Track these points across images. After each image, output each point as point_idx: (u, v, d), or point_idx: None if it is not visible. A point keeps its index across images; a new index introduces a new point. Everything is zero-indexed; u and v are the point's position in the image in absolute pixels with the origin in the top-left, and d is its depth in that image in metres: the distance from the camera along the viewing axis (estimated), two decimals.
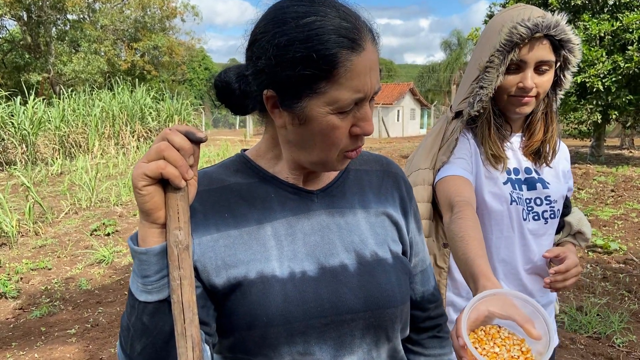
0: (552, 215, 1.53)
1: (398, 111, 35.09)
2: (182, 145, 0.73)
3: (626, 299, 4.45)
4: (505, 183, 1.48)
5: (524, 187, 1.50)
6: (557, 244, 1.65)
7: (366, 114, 0.86)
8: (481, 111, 1.46)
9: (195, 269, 0.87)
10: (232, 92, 0.93)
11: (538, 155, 1.54)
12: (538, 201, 1.51)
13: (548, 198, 1.52)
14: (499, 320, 0.91)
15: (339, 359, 0.90)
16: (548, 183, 1.53)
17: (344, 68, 0.80)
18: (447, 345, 1.12)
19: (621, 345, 3.60)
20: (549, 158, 1.55)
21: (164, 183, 0.75)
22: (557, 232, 1.63)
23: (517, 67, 1.40)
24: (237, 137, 25.14)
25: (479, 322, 0.89)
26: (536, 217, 1.50)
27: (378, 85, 0.86)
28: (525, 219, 1.49)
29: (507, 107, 1.46)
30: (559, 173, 1.59)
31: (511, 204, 1.47)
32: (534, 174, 1.53)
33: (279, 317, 0.85)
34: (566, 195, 1.60)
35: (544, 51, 1.37)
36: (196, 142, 0.76)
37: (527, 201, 1.50)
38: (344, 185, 1.01)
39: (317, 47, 0.79)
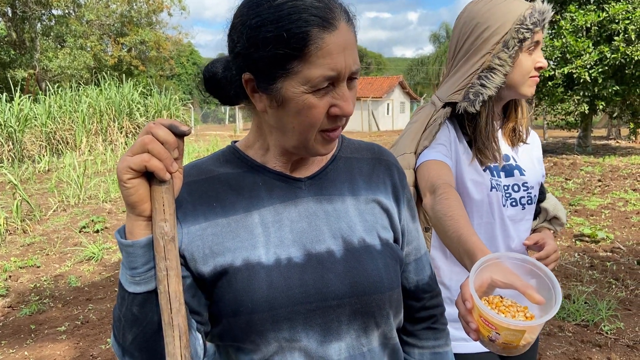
0: (529, 201, 1.56)
1: (388, 104, 35.12)
2: (166, 138, 0.75)
3: (613, 286, 4.51)
4: (484, 170, 1.50)
5: (502, 174, 1.53)
6: (533, 230, 1.68)
7: (344, 94, 0.85)
8: (479, 110, 1.47)
9: (184, 258, 0.88)
10: (219, 82, 0.94)
11: (514, 136, 1.58)
12: (516, 187, 1.53)
13: (525, 184, 1.55)
14: (500, 291, 0.92)
15: (326, 345, 0.89)
16: (524, 170, 1.56)
17: (315, 46, 0.80)
18: (442, 337, 1.11)
19: (609, 332, 3.65)
20: (524, 136, 1.58)
21: (149, 176, 0.76)
22: (534, 218, 1.66)
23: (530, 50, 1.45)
24: (226, 132, 25.05)
25: (482, 291, 0.91)
26: (514, 204, 1.53)
27: (356, 65, 0.86)
28: (504, 205, 1.51)
29: (524, 90, 1.47)
30: (533, 160, 1.62)
31: (491, 190, 1.49)
32: (511, 161, 1.56)
33: (263, 304, 0.86)
34: (540, 182, 1.64)
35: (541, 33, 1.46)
36: (180, 135, 0.77)
37: (505, 188, 1.52)
38: (334, 172, 1.00)
39: (288, 27, 0.80)
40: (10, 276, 5.17)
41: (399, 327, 1.04)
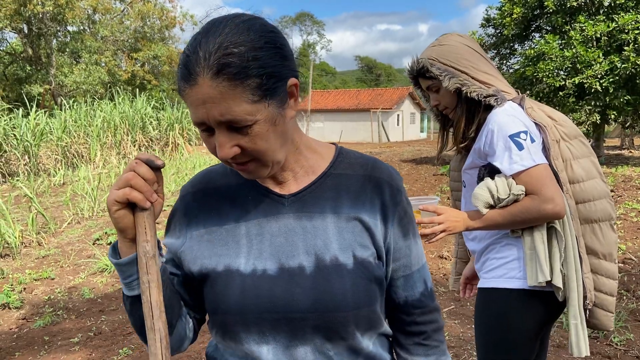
0: None
1: (398, 115, 35.14)
2: (145, 174, 0.89)
3: (624, 297, 4.48)
4: None
5: None
6: None
7: (219, 140, 0.89)
8: None
9: (181, 257, 1.05)
10: None
11: None
12: None
13: None
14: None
15: (292, 349, 0.97)
16: None
17: (183, 94, 0.90)
18: (433, 354, 1.11)
19: (619, 343, 3.63)
20: None
21: (133, 205, 0.90)
22: None
23: None
24: None
25: None
26: None
27: (227, 116, 0.86)
28: None
29: None
30: None
31: None
32: None
33: (235, 307, 0.98)
34: None
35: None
36: (156, 168, 0.90)
37: None
38: (319, 189, 1.04)
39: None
40: (24, 288, 5.26)
41: (386, 335, 1.10)
